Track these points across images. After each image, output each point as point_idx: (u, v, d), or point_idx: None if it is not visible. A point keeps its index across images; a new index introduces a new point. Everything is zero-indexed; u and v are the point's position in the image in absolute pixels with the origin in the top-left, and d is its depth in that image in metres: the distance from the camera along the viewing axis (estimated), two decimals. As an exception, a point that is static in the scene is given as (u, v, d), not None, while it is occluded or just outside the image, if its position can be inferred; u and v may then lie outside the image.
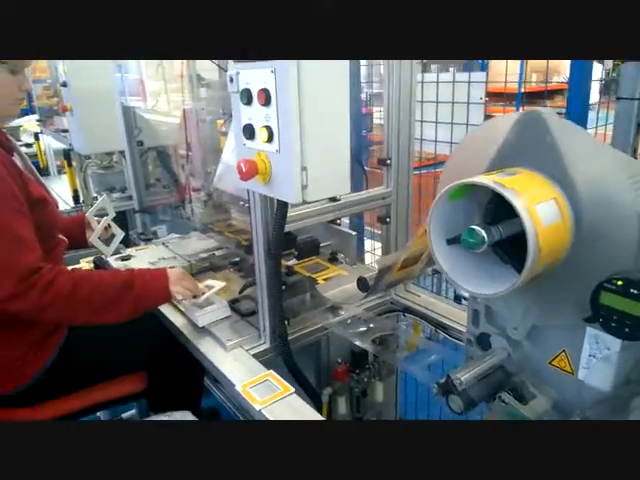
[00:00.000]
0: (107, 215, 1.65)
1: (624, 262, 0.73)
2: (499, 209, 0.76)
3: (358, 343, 1.33)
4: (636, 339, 0.63)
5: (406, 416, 2.05)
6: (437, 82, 1.49)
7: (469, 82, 1.43)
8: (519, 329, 0.91)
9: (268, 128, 0.95)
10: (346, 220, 1.86)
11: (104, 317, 1.19)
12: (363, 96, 2.50)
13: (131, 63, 2.09)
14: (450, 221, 0.84)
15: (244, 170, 0.97)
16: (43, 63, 3.39)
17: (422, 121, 1.56)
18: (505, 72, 1.70)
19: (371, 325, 1.40)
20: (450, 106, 1.49)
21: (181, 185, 1.98)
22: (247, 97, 0.98)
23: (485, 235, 0.75)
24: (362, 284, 1.03)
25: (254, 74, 0.96)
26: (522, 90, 2.86)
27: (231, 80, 1.02)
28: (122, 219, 2.58)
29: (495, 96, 4.19)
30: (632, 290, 0.62)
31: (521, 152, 0.82)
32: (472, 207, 0.85)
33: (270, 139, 0.96)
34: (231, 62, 1.02)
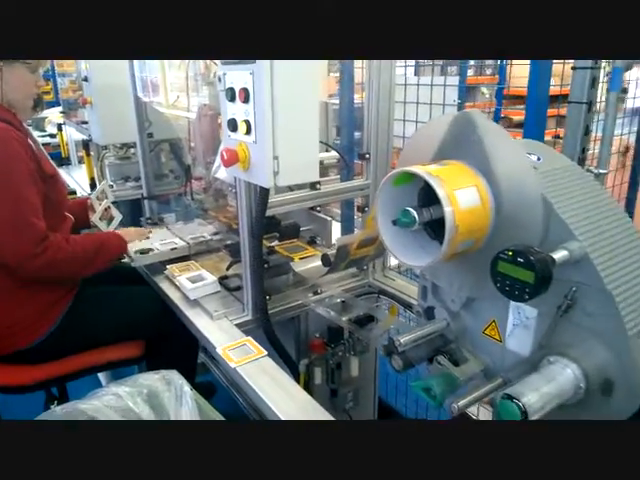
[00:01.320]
0: (107, 199, 1.82)
1: (533, 239, 0.86)
2: (431, 194, 0.89)
3: (334, 319, 1.47)
4: (523, 300, 0.76)
5: (387, 398, 2.18)
6: (417, 85, 1.63)
7: (444, 85, 1.56)
8: (456, 301, 1.04)
9: (247, 122, 1.10)
10: (338, 210, 1.99)
11: (88, 271, 1.52)
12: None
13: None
14: (398, 204, 0.97)
15: (225, 158, 1.13)
16: (70, 58, 3.59)
17: (404, 120, 1.70)
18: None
19: (347, 304, 1.54)
20: (429, 107, 1.62)
21: (190, 175, 2.14)
22: (231, 95, 1.13)
23: (416, 216, 0.88)
24: (325, 260, 1.17)
25: (237, 75, 1.11)
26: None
27: (219, 80, 1.18)
28: (137, 206, 2.75)
29: (516, 99, 4.26)
30: (519, 259, 0.75)
31: (456, 147, 0.95)
32: (415, 192, 0.98)
33: (248, 131, 1.11)
34: (219, 64, 1.17)
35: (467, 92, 4.46)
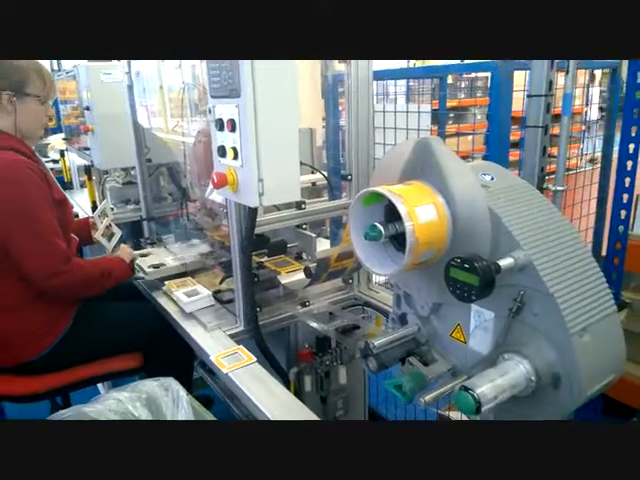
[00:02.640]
0: (107, 217, 1.96)
1: (485, 248, 0.97)
2: (395, 211, 1.01)
3: (321, 329, 1.58)
4: (471, 301, 0.87)
5: (377, 406, 2.27)
6: (395, 112, 1.76)
7: (419, 112, 1.70)
8: (424, 307, 1.15)
9: (234, 149, 1.23)
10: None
11: (94, 291, 1.62)
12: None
13: (153, 87, 2.38)
14: (369, 220, 1.09)
15: (216, 181, 1.25)
16: (73, 86, 3.76)
17: (384, 144, 1.83)
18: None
19: (334, 315, 1.65)
20: (405, 132, 1.76)
21: (186, 197, 2.27)
22: (220, 125, 1.26)
23: (382, 230, 1.00)
24: (307, 272, 1.29)
25: (225, 107, 1.24)
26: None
27: (209, 111, 1.31)
28: (138, 227, 2.88)
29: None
30: (465, 265, 0.86)
31: (418, 169, 1.07)
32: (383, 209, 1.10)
33: (236, 157, 1.23)
34: (209, 97, 1.30)
35: (458, 115, 4.60)
